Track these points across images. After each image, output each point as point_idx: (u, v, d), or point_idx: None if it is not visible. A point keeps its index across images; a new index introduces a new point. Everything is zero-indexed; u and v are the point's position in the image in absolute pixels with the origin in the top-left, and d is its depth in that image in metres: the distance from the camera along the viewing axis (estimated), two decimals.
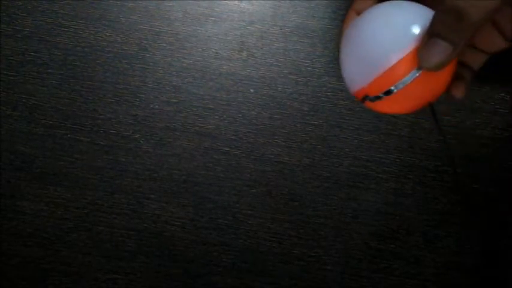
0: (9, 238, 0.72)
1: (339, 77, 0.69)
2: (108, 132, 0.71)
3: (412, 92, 0.48)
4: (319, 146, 0.70)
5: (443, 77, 0.49)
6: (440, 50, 0.42)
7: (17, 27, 0.70)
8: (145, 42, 0.70)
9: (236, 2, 0.69)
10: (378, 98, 0.49)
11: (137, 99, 0.71)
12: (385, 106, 0.51)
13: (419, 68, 0.46)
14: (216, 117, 0.71)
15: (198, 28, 0.70)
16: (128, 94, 0.70)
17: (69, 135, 0.71)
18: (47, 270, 0.72)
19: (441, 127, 0.53)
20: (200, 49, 0.70)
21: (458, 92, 0.53)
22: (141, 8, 0.69)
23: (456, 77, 0.52)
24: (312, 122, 0.70)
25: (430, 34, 0.43)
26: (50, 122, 0.71)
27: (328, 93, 0.69)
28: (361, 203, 0.71)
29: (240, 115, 0.71)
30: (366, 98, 0.50)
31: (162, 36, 0.70)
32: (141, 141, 0.71)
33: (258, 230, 0.72)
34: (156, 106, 0.71)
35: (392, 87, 0.47)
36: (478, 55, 0.54)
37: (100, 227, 0.72)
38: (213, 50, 0.70)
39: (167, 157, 0.71)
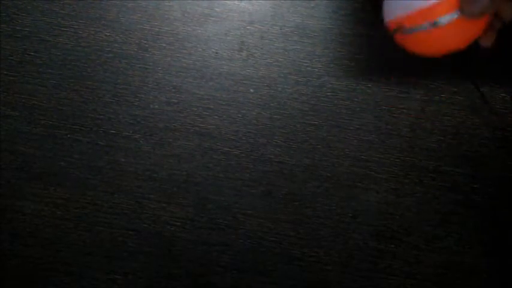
0: (9, 238, 0.72)
1: (339, 77, 0.70)
2: (108, 132, 0.71)
3: (445, 33, 0.49)
4: (319, 146, 0.70)
5: (477, 25, 0.50)
6: (483, 2, 0.44)
7: (17, 27, 0.70)
8: (145, 42, 0.70)
9: (236, 2, 0.70)
10: (412, 30, 0.50)
11: (137, 99, 0.71)
12: (415, 41, 0.51)
13: (458, 12, 0.47)
14: (216, 117, 0.71)
15: (197, 28, 0.70)
16: (127, 94, 0.71)
17: (69, 136, 0.71)
18: (47, 270, 0.72)
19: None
20: (200, 49, 0.70)
21: (487, 41, 0.55)
22: (140, 8, 0.70)
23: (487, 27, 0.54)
24: (312, 122, 0.70)
25: None
26: (50, 122, 0.71)
27: (328, 93, 0.70)
28: (361, 203, 0.71)
29: (240, 115, 0.71)
30: (399, 29, 0.51)
31: (162, 36, 0.70)
32: (141, 142, 0.71)
33: (258, 230, 0.72)
34: (156, 106, 0.71)
35: (427, 23, 0.48)
36: (509, 7, 0.56)
37: (100, 227, 0.72)
38: (213, 50, 0.70)
39: (167, 157, 0.71)
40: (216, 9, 0.69)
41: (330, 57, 0.69)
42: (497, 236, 0.71)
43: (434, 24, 0.48)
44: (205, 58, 0.70)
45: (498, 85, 0.70)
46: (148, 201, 0.72)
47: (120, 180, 0.72)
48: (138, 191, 0.72)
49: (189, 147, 0.71)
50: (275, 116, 0.70)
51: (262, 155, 0.71)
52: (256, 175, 0.71)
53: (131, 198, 0.72)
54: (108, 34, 0.70)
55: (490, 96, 0.70)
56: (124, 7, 0.69)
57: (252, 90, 0.70)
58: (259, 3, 0.68)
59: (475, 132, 0.70)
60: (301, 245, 0.72)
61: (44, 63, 0.70)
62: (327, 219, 0.71)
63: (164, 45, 0.70)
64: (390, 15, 0.52)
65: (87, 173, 0.72)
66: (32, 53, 0.70)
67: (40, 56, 0.70)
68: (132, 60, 0.70)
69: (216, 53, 0.70)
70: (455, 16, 0.47)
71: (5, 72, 0.70)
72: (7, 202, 0.72)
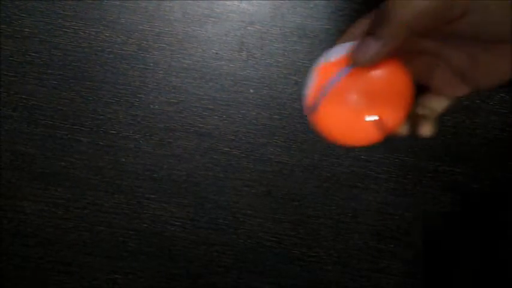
0: (9, 238, 0.72)
1: None
2: (108, 132, 0.71)
3: (340, 99, 0.44)
4: (319, 146, 0.71)
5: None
6: (369, 45, 0.43)
7: (17, 28, 0.70)
8: (145, 43, 0.70)
9: (236, 3, 0.70)
10: (314, 106, 0.47)
11: (137, 100, 0.71)
12: (320, 117, 0.45)
13: (350, 66, 0.43)
14: (216, 117, 0.71)
15: (197, 29, 0.70)
16: (127, 94, 0.71)
17: (69, 136, 0.71)
18: (48, 270, 0.72)
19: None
20: (200, 50, 0.71)
21: (425, 131, 0.55)
22: (141, 9, 0.70)
23: (423, 117, 0.54)
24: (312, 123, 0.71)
25: (362, 35, 0.44)
26: (50, 123, 0.71)
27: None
28: (361, 203, 0.72)
29: (240, 115, 0.71)
30: (309, 110, 0.48)
31: (162, 37, 0.70)
32: (141, 142, 0.71)
33: (258, 230, 0.72)
34: (156, 106, 0.71)
35: (322, 92, 0.44)
36: (442, 101, 0.56)
37: (100, 227, 0.72)
38: (213, 50, 0.71)
39: (167, 157, 0.72)
40: (216, 10, 0.69)
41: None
42: (497, 236, 0.71)
43: (327, 89, 0.44)
44: (205, 59, 0.70)
45: (498, 85, 0.70)
46: (148, 201, 0.72)
47: (120, 180, 0.72)
48: (138, 191, 0.72)
49: (189, 147, 0.71)
50: (275, 116, 0.71)
51: (262, 155, 0.71)
52: (256, 175, 0.72)
53: (131, 198, 0.72)
54: (108, 35, 0.70)
55: (489, 97, 0.70)
56: (124, 8, 0.69)
57: (251, 91, 0.70)
58: (259, 4, 0.68)
59: (475, 133, 0.70)
60: (301, 245, 0.72)
61: (44, 64, 0.70)
62: (327, 219, 0.72)
63: (164, 45, 0.70)
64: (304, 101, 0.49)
65: (87, 173, 0.72)
66: (33, 54, 0.70)
67: (40, 56, 0.70)
68: (132, 60, 0.70)
69: (216, 53, 0.70)
70: (346, 73, 0.43)
71: (6, 73, 0.70)
72: (8, 202, 0.72)
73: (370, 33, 0.43)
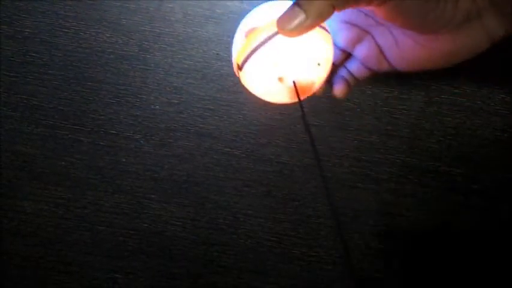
0: (10, 237, 0.73)
1: None
2: (108, 132, 0.72)
3: (274, 70, 0.50)
4: (319, 147, 0.71)
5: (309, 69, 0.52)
6: (296, 17, 0.46)
7: (18, 29, 0.71)
8: (146, 43, 0.71)
9: (237, 4, 0.70)
10: (241, 67, 0.52)
11: (138, 100, 0.72)
12: (245, 78, 0.52)
13: (276, 33, 0.48)
14: (217, 117, 0.72)
15: (198, 29, 0.71)
16: (128, 95, 0.72)
17: (69, 136, 0.72)
18: (48, 269, 0.73)
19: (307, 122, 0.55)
20: (201, 50, 0.71)
21: (338, 92, 0.59)
22: (142, 10, 0.70)
23: (342, 80, 0.58)
24: (313, 123, 0.71)
25: (292, 4, 0.47)
26: (51, 123, 0.72)
27: (329, 94, 0.70)
28: (361, 203, 0.72)
29: (241, 116, 0.72)
30: (237, 69, 0.53)
31: (163, 38, 0.71)
32: (142, 142, 0.72)
33: (258, 230, 0.73)
34: (157, 107, 0.72)
35: (251, 49, 0.50)
36: (364, 70, 0.59)
37: (101, 226, 0.73)
38: (214, 51, 0.71)
39: (168, 157, 0.72)
40: (217, 10, 0.70)
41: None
42: (497, 237, 0.72)
43: (256, 50, 0.50)
44: (206, 59, 0.71)
45: (498, 86, 0.70)
46: (149, 201, 0.73)
47: (120, 180, 0.73)
48: (138, 191, 0.73)
49: (189, 147, 0.72)
50: (276, 117, 0.71)
51: (262, 156, 0.72)
52: (257, 175, 0.72)
53: (132, 198, 0.73)
54: (109, 35, 0.71)
55: (489, 98, 0.71)
56: (125, 9, 0.70)
57: None
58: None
59: (476, 133, 0.71)
60: (302, 245, 0.73)
61: (45, 64, 0.71)
62: (327, 219, 0.72)
63: (165, 46, 0.71)
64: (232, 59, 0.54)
65: (87, 173, 0.73)
66: (33, 54, 0.71)
67: (41, 57, 0.71)
68: (133, 61, 0.71)
69: (217, 54, 0.71)
70: (273, 37, 0.49)
71: (6, 73, 0.71)
72: (8, 202, 0.73)
73: (297, 3, 0.46)
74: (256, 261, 0.73)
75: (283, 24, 0.46)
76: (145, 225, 0.73)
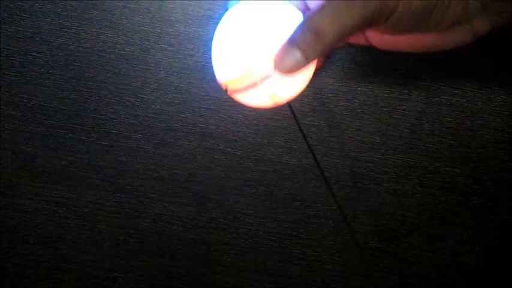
0: (10, 236, 0.73)
1: (340, 78, 0.71)
2: (109, 132, 0.72)
3: (267, 89, 0.53)
4: (319, 147, 0.72)
5: (299, 81, 0.55)
6: (295, 59, 0.48)
7: (19, 28, 0.71)
8: (147, 43, 0.71)
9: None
10: (239, 91, 0.54)
11: (138, 100, 0.72)
12: (244, 98, 0.55)
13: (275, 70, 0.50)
14: (217, 117, 0.72)
15: (199, 29, 0.71)
16: (129, 95, 0.72)
17: (70, 135, 0.73)
18: (48, 268, 0.74)
19: (300, 126, 0.57)
20: (202, 50, 0.72)
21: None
22: (143, 10, 0.71)
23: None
24: (313, 123, 0.72)
25: (290, 43, 0.48)
26: (51, 122, 0.72)
27: (329, 95, 0.71)
28: (361, 203, 0.73)
29: (241, 116, 0.72)
30: (228, 89, 0.55)
31: (164, 38, 0.71)
32: (142, 141, 0.72)
33: (258, 230, 0.73)
34: (158, 106, 0.72)
35: (249, 83, 0.52)
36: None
37: (101, 225, 0.73)
38: None
39: (168, 157, 0.73)
40: (218, 11, 0.70)
41: (331, 58, 0.71)
42: (497, 237, 0.73)
43: (257, 83, 0.52)
44: (207, 59, 0.71)
45: (498, 87, 0.71)
46: (149, 201, 0.73)
47: (121, 180, 0.73)
48: (139, 190, 0.73)
49: (190, 147, 0.73)
50: (276, 117, 0.72)
51: (263, 156, 0.73)
52: (258, 175, 0.73)
53: (132, 198, 0.73)
54: (110, 35, 0.71)
55: (490, 99, 0.71)
56: (126, 9, 0.70)
57: None
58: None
59: (476, 134, 0.72)
60: (302, 245, 0.74)
61: (46, 64, 0.71)
62: (327, 219, 0.73)
63: (166, 46, 0.71)
64: (218, 75, 0.56)
65: (88, 172, 0.73)
66: (34, 54, 0.71)
67: (42, 56, 0.71)
68: (134, 61, 0.71)
69: None
70: (273, 74, 0.51)
71: (7, 73, 0.71)
72: (8, 201, 0.73)
73: (296, 45, 0.47)
74: (256, 261, 0.74)
75: (280, 63, 0.48)
76: (146, 224, 0.74)
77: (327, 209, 0.73)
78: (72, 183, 0.73)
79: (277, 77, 0.51)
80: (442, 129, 0.72)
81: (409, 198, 0.73)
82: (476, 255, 0.73)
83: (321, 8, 0.47)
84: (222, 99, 0.72)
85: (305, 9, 0.57)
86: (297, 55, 0.47)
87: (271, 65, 0.50)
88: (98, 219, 0.74)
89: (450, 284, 0.73)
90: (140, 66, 0.72)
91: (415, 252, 0.73)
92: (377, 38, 0.55)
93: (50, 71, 0.72)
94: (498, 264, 0.73)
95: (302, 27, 0.48)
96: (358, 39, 0.57)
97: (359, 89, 0.72)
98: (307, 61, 0.48)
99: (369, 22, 0.47)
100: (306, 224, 0.73)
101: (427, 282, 0.74)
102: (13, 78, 0.72)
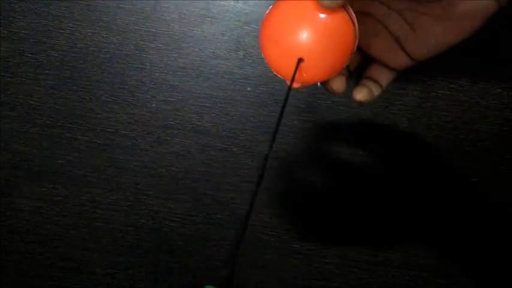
0: (8, 235, 0.76)
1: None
2: (105, 130, 0.75)
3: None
4: (316, 143, 0.75)
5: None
6: None
7: (14, 30, 0.74)
8: (141, 43, 0.74)
9: (232, 3, 0.73)
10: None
11: (134, 99, 0.75)
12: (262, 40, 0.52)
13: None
14: (213, 115, 0.75)
15: (194, 28, 0.74)
16: (125, 94, 0.75)
17: (66, 134, 0.75)
18: (47, 266, 0.76)
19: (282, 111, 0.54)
20: (197, 49, 0.74)
21: (360, 96, 0.60)
22: (137, 9, 0.73)
23: (361, 85, 0.60)
24: (310, 119, 0.74)
25: None
26: (48, 122, 0.75)
27: (325, 91, 0.73)
28: (361, 199, 0.76)
29: (238, 113, 0.75)
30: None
31: (159, 37, 0.74)
32: (139, 140, 0.75)
33: (256, 225, 0.76)
34: (154, 105, 0.75)
35: None
36: (384, 72, 0.61)
37: (98, 223, 0.76)
38: (210, 49, 0.74)
39: (165, 154, 0.75)
40: (213, 10, 0.72)
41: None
42: (496, 231, 0.76)
43: None
44: (202, 58, 0.74)
45: (494, 80, 0.73)
46: (146, 198, 0.76)
47: (118, 178, 0.76)
48: (136, 187, 0.76)
49: (186, 144, 0.75)
50: (272, 114, 0.74)
51: (260, 152, 0.75)
52: (254, 171, 0.75)
53: (129, 195, 0.76)
54: (105, 35, 0.73)
55: (486, 92, 0.74)
56: (121, 9, 0.72)
57: (249, 89, 0.74)
58: (256, 4, 0.71)
59: (473, 128, 0.74)
60: (300, 239, 0.76)
61: (41, 65, 0.74)
62: (326, 214, 0.76)
63: (161, 45, 0.73)
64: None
65: (85, 171, 0.76)
66: (29, 55, 0.74)
67: (37, 57, 0.74)
68: (129, 60, 0.74)
69: (213, 52, 0.73)
70: None
71: (3, 74, 0.74)
72: (6, 200, 0.76)
73: None
74: (255, 256, 0.76)
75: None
76: (143, 221, 0.76)
77: (326, 204, 0.76)
78: (69, 181, 0.76)
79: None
80: (439, 123, 0.75)
81: (409, 192, 0.76)
82: (474, 250, 0.75)
83: None
84: (218, 97, 0.75)
85: None
86: None
87: None
88: (95, 217, 0.76)
89: (449, 276, 0.76)
90: (135, 66, 0.75)
91: (414, 245, 0.76)
92: (415, 46, 0.56)
93: (46, 72, 0.75)
94: (497, 260, 0.75)
95: None
96: (397, 59, 0.58)
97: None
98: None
99: None
100: (305, 218, 0.76)
101: (425, 274, 0.76)
102: (8, 79, 0.75)
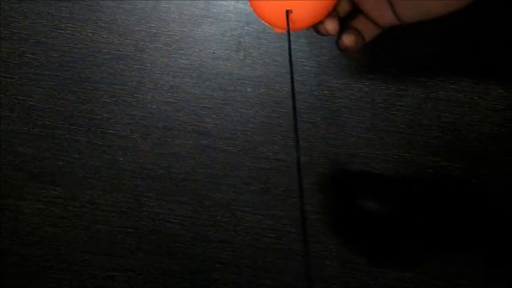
0: (8, 237, 0.76)
1: (336, 75, 0.73)
2: (105, 132, 0.75)
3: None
4: (316, 144, 0.74)
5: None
6: None
7: (14, 30, 0.74)
8: (142, 43, 0.74)
9: (232, 3, 0.73)
10: None
11: (134, 100, 0.74)
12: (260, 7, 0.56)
13: None
14: (214, 116, 0.74)
15: (194, 29, 0.73)
16: (125, 95, 0.74)
17: (66, 136, 0.75)
18: (47, 267, 0.76)
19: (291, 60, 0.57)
20: (197, 49, 0.74)
21: (348, 41, 0.61)
22: (137, 10, 0.73)
23: (349, 32, 0.61)
24: (310, 120, 0.74)
25: None
26: (48, 123, 0.75)
27: (326, 92, 0.73)
28: (360, 199, 0.75)
29: (238, 114, 0.74)
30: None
31: (159, 37, 0.74)
32: (139, 141, 0.75)
33: (256, 227, 0.75)
34: (154, 106, 0.74)
35: None
36: (370, 26, 0.61)
37: (99, 225, 0.76)
38: (210, 50, 0.74)
39: (165, 156, 0.75)
40: (213, 10, 0.72)
41: (327, 56, 0.72)
42: (497, 233, 0.75)
43: None
44: (203, 58, 0.73)
45: (495, 81, 0.73)
46: (147, 199, 0.75)
47: (118, 179, 0.75)
48: (136, 189, 0.75)
49: (187, 145, 0.75)
50: (273, 115, 0.74)
51: (260, 153, 0.75)
52: (255, 172, 0.75)
53: (130, 197, 0.76)
54: (105, 36, 0.73)
55: (487, 93, 0.73)
56: (121, 9, 0.72)
57: (249, 90, 0.74)
58: None
59: (473, 128, 0.74)
60: (300, 241, 0.75)
61: (41, 65, 0.74)
62: (325, 215, 0.75)
63: (161, 46, 0.73)
64: None
65: (85, 173, 0.75)
66: (30, 55, 0.73)
67: (37, 58, 0.73)
68: (129, 61, 0.73)
69: (213, 53, 0.73)
70: None
71: (3, 75, 0.74)
72: (6, 202, 0.75)
73: None
74: (255, 258, 0.76)
75: None
76: (144, 223, 0.75)
77: (325, 205, 0.75)
78: (69, 183, 0.75)
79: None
80: (439, 124, 0.74)
81: (408, 193, 0.75)
82: (475, 251, 0.74)
83: None
84: (218, 98, 0.74)
85: None
86: None
87: None
88: (95, 218, 0.76)
89: (449, 277, 0.75)
90: (136, 66, 0.74)
91: (414, 247, 0.75)
92: (403, 6, 0.56)
93: (46, 72, 0.74)
94: (497, 261, 0.74)
95: None
96: (384, 17, 0.59)
97: (356, 85, 0.74)
98: None
99: None
100: (305, 220, 0.75)
101: (425, 276, 0.75)
102: (8, 79, 0.74)
